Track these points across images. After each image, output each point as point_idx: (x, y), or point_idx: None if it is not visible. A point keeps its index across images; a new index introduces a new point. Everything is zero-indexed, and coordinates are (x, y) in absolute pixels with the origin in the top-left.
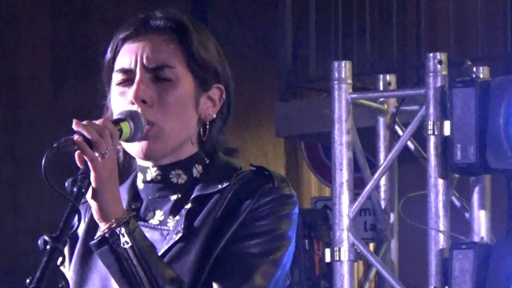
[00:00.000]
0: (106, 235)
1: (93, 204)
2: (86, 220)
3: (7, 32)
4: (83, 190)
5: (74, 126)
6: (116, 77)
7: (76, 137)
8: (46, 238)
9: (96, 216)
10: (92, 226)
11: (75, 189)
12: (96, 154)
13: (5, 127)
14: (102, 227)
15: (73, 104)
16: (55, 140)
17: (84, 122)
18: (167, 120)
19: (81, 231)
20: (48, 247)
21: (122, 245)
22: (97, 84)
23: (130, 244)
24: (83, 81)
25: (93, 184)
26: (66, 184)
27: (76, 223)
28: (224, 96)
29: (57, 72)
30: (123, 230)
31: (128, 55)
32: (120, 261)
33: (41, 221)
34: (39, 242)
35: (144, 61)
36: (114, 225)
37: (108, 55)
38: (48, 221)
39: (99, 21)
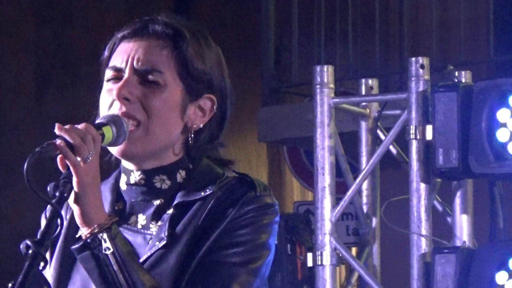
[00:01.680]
0: (88, 240)
1: (75, 209)
2: (68, 217)
3: None
4: (65, 195)
5: (56, 131)
6: (107, 73)
7: (58, 141)
8: (28, 242)
9: (78, 221)
10: (73, 226)
11: (57, 194)
12: (78, 159)
13: None
14: (84, 231)
15: (57, 110)
16: (38, 145)
17: (67, 127)
18: (151, 121)
19: (62, 230)
20: (30, 251)
21: (103, 251)
22: (81, 90)
23: (111, 250)
24: (67, 87)
25: (75, 188)
26: (48, 189)
27: (59, 227)
28: (215, 108)
29: (41, 78)
30: (105, 235)
31: (121, 54)
32: (101, 267)
33: (24, 226)
34: (21, 246)
35: (135, 62)
36: (96, 231)
37: (105, 52)
38: (32, 226)
39: (83, 28)
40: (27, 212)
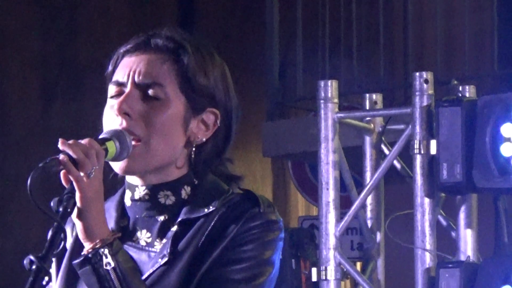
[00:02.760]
0: (89, 255)
1: (78, 224)
2: (74, 234)
3: None
4: (68, 210)
5: (59, 146)
6: (110, 89)
7: (61, 156)
8: (32, 257)
9: (81, 236)
10: (80, 241)
11: (60, 209)
12: (82, 174)
13: None
14: (87, 246)
15: (62, 123)
16: (43, 159)
17: (70, 142)
18: (153, 137)
19: (68, 245)
20: (34, 266)
21: (104, 266)
22: (86, 103)
23: (112, 265)
24: (72, 100)
25: (78, 203)
26: (51, 204)
27: (62, 242)
28: (219, 122)
29: (46, 92)
30: (106, 251)
31: (123, 69)
32: (101, 282)
33: (29, 241)
34: (25, 261)
35: (136, 76)
36: (98, 246)
37: (109, 67)
38: (36, 241)
39: (88, 41)
40: (31, 226)
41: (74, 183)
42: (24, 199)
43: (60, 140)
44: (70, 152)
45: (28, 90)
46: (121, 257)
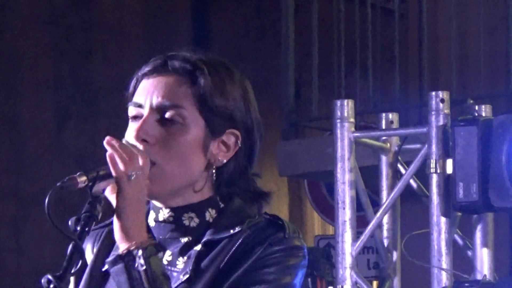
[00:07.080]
0: (123, 255)
1: (116, 224)
2: (95, 250)
3: (10, 72)
4: (86, 229)
5: (106, 143)
6: (130, 110)
7: (109, 151)
8: (50, 277)
9: (117, 236)
10: (100, 259)
11: (78, 228)
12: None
13: (8, 167)
14: (122, 248)
15: (76, 144)
16: (58, 180)
17: (116, 144)
18: (169, 162)
19: (89, 260)
20: (51, 286)
21: (136, 266)
22: (100, 123)
23: (144, 267)
24: (86, 121)
25: (117, 203)
26: (69, 223)
27: (80, 261)
28: (239, 142)
29: (60, 112)
30: (140, 252)
31: (141, 92)
32: (131, 282)
33: (44, 261)
34: (42, 281)
35: (153, 99)
36: (133, 247)
37: (129, 89)
38: (52, 261)
39: (102, 62)
40: (46, 246)
41: (116, 181)
42: (38, 218)
43: (107, 138)
44: (118, 150)
45: (42, 111)
46: (154, 262)
